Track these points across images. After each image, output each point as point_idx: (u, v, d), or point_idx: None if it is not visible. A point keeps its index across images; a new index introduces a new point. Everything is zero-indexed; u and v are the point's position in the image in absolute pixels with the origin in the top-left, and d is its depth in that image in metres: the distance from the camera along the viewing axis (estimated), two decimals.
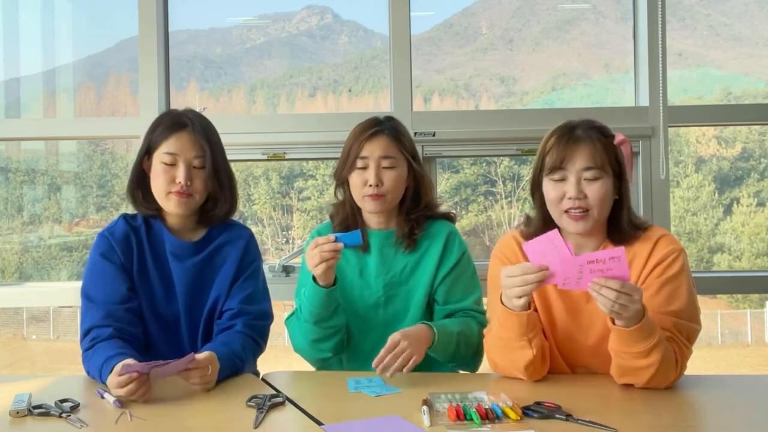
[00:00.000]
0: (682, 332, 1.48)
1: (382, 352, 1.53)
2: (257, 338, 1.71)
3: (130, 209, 1.79)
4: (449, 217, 1.90)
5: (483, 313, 1.79)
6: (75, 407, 1.35)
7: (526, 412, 1.28)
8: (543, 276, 1.36)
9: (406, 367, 1.53)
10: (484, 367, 1.69)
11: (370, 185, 1.77)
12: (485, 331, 1.63)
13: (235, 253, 1.76)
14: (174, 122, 1.71)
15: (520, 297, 1.41)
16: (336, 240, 1.57)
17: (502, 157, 4.30)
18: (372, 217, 1.87)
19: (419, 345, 1.58)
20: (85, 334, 1.62)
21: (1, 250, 3.91)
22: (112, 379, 1.40)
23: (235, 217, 1.85)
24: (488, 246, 4.44)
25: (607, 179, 1.52)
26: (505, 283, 1.42)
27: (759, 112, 2.68)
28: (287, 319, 1.84)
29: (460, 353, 1.71)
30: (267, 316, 1.77)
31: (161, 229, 1.73)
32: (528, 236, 1.65)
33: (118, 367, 1.41)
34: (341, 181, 1.86)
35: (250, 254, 1.78)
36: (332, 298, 1.66)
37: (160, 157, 1.68)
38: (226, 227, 1.79)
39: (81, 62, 3.65)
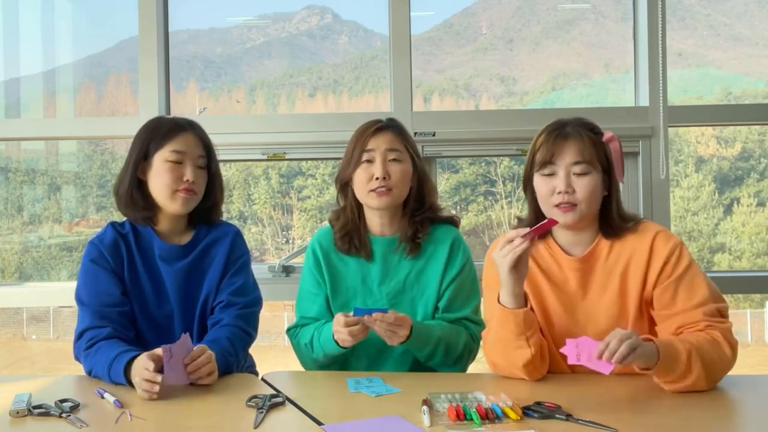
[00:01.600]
0: (714, 315, 1.49)
1: (378, 315, 1.56)
2: (246, 327, 1.73)
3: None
4: (453, 221, 1.87)
5: (478, 323, 1.78)
6: (75, 407, 1.35)
7: (526, 412, 1.28)
8: (519, 232, 1.42)
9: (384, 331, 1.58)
10: (484, 367, 1.69)
11: (377, 178, 1.74)
12: (483, 333, 1.63)
13: (223, 250, 1.78)
14: (176, 124, 1.75)
15: (511, 262, 1.43)
16: (364, 321, 1.57)
17: (502, 157, 4.30)
18: (375, 219, 1.82)
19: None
20: (79, 335, 1.63)
21: (1, 250, 3.91)
22: (144, 360, 1.42)
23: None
24: (488, 246, 4.43)
25: (596, 174, 1.55)
26: (497, 260, 1.46)
27: (759, 112, 2.68)
28: (289, 330, 1.84)
29: (437, 358, 1.70)
30: (255, 303, 1.80)
31: (150, 234, 1.75)
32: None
33: (157, 351, 1.44)
34: (344, 182, 1.83)
35: (237, 250, 1.81)
36: (348, 352, 1.69)
37: (164, 156, 1.70)
38: (212, 227, 1.82)
39: (81, 62, 3.65)
